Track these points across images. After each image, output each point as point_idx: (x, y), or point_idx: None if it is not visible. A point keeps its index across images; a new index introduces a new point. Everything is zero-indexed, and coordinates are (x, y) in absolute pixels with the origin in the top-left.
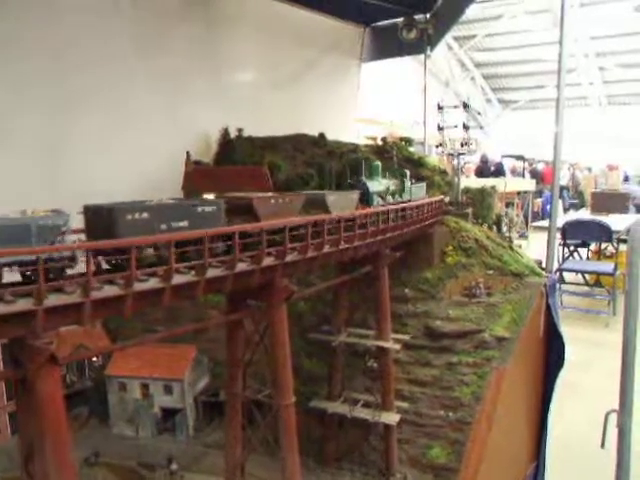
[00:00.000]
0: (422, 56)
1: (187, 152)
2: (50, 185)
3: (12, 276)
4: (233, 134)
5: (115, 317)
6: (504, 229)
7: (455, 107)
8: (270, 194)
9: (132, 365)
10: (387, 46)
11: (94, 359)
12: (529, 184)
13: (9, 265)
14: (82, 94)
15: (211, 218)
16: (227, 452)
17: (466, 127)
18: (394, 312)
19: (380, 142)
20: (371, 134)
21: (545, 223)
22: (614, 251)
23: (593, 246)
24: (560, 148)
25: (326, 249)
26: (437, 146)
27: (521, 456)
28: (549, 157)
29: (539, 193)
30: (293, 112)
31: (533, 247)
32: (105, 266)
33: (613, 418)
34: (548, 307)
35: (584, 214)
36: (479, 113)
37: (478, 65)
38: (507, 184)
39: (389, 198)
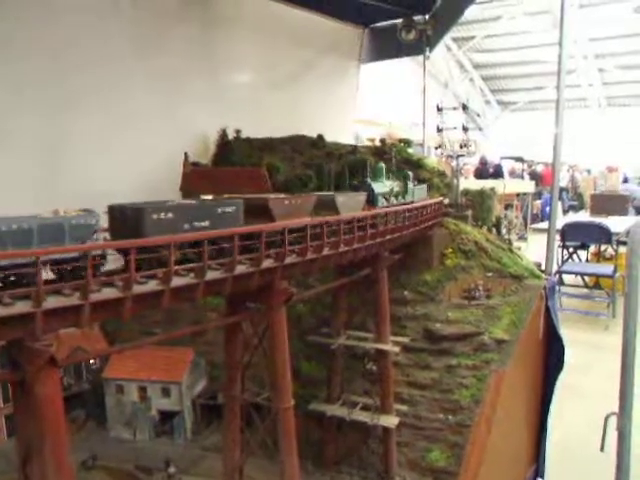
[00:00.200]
0: (421, 57)
1: (185, 153)
2: (49, 185)
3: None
4: (231, 135)
5: (113, 319)
6: (503, 231)
7: (454, 109)
8: (283, 195)
9: (130, 368)
10: (386, 47)
11: (91, 361)
12: (528, 186)
13: (48, 263)
14: (81, 94)
15: (230, 218)
16: (225, 455)
17: (465, 129)
18: (393, 315)
19: (379, 143)
20: (370, 135)
21: (544, 225)
22: (613, 253)
23: (592, 248)
24: (560, 149)
25: (325, 251)
26: (436, 147)
27: (520, 459)
28: (548, 159)
29: (538, 195)
30: (291, 113)
31: (532, 249)
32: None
33: (613, 421)
34: (547, 309)
35: (583, 216)
36: (478, 115)
37: (477, 66)
38: (506, 186)
39: (392, 199)
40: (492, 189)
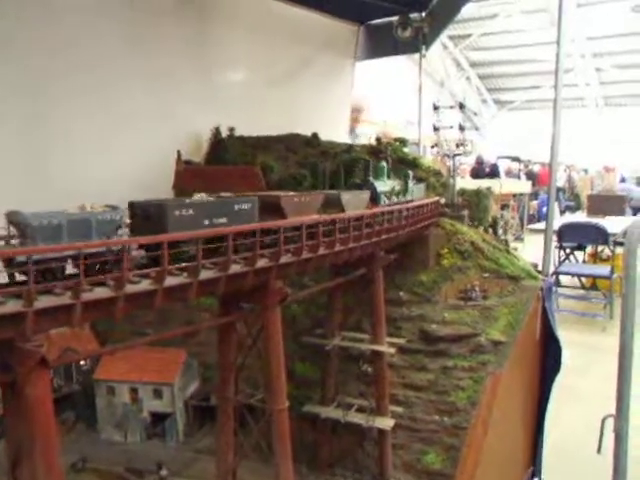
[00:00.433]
0: (417, 55)
1: (178, 151)
2: (42, 185)
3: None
4: (225, 133)
5: (104, 319)
6: (500, 232)
7: (451, 107)
8: (292, 193)
9: (121, 369)
10: (382, 45)
11: (82, 362)
12: (525, 186)
13: (73, 257)
14: (74, 93)
15: (246, 215)
16: (218, 458)
17: (462, 128)
18: (389, 315)
19: (374, 142)
20: (364, 133)
21: (541, 226)
22: (610, 254)
23: (589, 249)
24: (557, 149)
25: (321, 251)
26: (432, 147)
27: (517, 461)
28: (545, 158)
29: (535, 195)
30: (286, 111)
31: (529, 250)
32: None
33: (610, 423)
34: (544, 311)
35: (580, 216)
36: (475, 113)
37: (473, 65)
38: (502, 186)
39: (393, 198)
40: (488, 189)
